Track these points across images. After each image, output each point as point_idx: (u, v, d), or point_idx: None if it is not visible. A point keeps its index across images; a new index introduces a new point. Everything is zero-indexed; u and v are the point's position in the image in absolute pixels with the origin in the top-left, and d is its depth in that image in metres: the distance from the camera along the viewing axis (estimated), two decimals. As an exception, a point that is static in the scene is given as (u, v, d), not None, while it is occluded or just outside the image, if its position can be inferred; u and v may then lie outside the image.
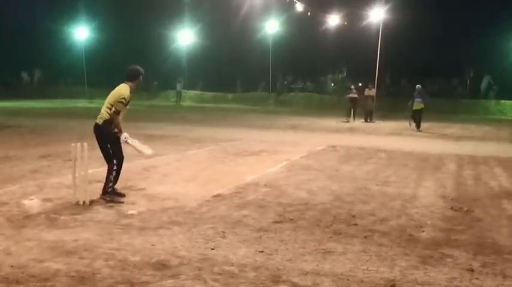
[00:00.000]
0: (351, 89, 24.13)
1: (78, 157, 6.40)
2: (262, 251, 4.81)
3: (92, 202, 6.43)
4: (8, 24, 39.91)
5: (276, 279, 4.16)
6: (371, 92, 24.36)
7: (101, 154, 6.78)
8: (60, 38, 41.13)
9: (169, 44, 41.84)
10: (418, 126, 18.83)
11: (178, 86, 37.99)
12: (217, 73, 40.37)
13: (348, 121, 22.83)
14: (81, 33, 39.86)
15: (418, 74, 30.29)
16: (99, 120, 6.62)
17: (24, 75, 44.89)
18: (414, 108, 19.06)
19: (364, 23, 32.28)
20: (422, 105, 18.99)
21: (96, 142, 6.69)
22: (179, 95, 38.09)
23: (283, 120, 23.22)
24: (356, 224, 5.81)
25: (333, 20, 34.57)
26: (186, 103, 38.21)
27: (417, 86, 19.71)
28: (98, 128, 6.63)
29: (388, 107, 28.72)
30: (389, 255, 4.81)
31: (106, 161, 6.72)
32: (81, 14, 40.29)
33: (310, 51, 37.41)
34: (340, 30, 34.82)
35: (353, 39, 34.01)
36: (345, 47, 35.10)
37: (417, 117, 18.91)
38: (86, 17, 40.39)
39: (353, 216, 6.17)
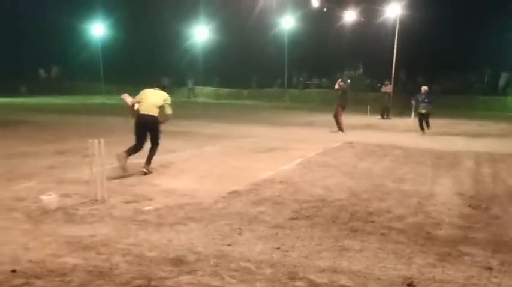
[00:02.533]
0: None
1: (96, 153, 6.45)
2: (278, 248, 4.81)
3: (109, 198, 6.48)
4: (24, 21, 40.30)
5: (293, 276, 4.15)
6: (387, 88, 24.22)
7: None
8: (76, 34, 41.50)
9: (184, 40, 42.00)
10: (427, 127, 16.50)
11: (190, 83, 38.58)
12: (233, 70, 40.44)
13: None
14: (97, 30, 40.21)
15: (435, 70, 30.02)
16: (154, 114, 8.37)
17: (42, 71, 45.38)
18: (419, 111, 16.59)
19: (381, 18, 32.04)
20: (428, 110, 16.42)
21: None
22: (191, 91, 38.51)
23: (299, 116, 23.15)
24: (373, 221, 5.78)
25: (349, 16, 34.35)
26: (201, 100, 38.32)
27: (423, 88, 16.79)
28: (153, 120, 8.37)
29: (405, 103, 28.49)
30: (407, 253, 4.77)
31: (152, 143, 8.52)
32: (97, 11, 40.62)
33: (326, 47, 37.27)
34: (357, 26, 34.61)
35: (369, 35, 33.80)
36: (362, 43, 34.91)
37: (424, 119, 16.51)
38: (102, 13, 40.72)
39: (370, 213, 6.14)
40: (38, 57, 41.99)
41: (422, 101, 16.48)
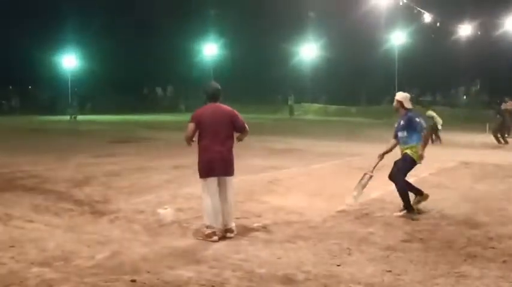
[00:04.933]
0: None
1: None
2: (390, 271, 4.64)
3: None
4: (145, 45, 43.16)
5: (406, 301, 3.99)
6: (508, 106, 22.64)
7: None
8: (190, 55, 43.78)
9: (292, 58, 42.60)
10: None
11: (290, 101, 39.16)
12: (341, 86, 40.22)
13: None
14: (209, 50, 42.31)
15: None
16: None
17: (159, 90, 48.38)
18: None
19: (499, 32, 30.18)
20: None
21: None
22: (291, 109, 39.33)
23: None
24: (493, 248, 5.39)
25: (464, 30, 32.70)
26: (308, 117, 38.47)
27: None
28: None
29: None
30: (533, 283, 4.39)
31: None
32: (210, 33, 42.61)
33: (440, 63, 35.79)
34: (473, 41, 32.80)
35: (487, 49, 31.92)
36: (478, 58, 33.05)
37: None
38: (214, 35, 42.64)
39: (490, 238, 5.73)
40: (155, 76, 44.89)
41: None
